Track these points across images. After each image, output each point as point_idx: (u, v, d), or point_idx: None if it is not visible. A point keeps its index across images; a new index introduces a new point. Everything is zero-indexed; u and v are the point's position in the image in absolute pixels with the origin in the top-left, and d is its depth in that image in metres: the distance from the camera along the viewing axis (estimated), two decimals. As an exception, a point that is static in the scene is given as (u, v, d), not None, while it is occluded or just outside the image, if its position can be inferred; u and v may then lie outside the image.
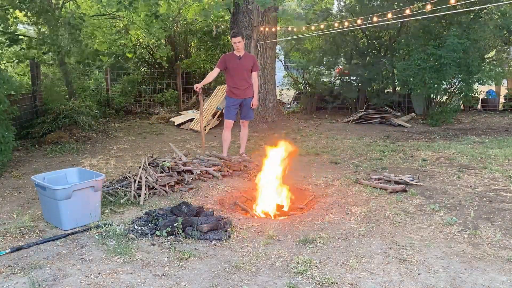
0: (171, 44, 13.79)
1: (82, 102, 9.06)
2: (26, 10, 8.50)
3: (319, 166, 5.85)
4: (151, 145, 7.59)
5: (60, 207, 3.60)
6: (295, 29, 9.87)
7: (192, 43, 14.29)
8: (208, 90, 12.78)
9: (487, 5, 8.89)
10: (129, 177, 4.72)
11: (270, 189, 4.53)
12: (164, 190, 4.56)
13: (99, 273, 2.88)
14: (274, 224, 3.75)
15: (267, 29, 9.30)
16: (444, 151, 6.53)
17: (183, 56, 14.05)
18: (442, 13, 7.57)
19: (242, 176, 5.28)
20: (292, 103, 13.23)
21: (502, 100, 11.79)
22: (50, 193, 3.63)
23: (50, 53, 9.27)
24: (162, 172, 4.88)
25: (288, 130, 8.99)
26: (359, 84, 10.73)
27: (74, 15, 8.62)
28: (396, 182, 4.76)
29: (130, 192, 4.42)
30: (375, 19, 6.89)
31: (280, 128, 9.11)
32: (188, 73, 12.98)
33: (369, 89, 10.85)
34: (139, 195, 4.39)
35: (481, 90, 10.97)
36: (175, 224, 3.48)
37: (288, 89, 13.79)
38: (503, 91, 11.93)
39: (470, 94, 9.63)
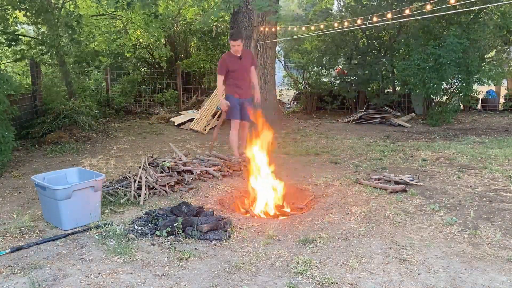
0: (171, 44, 13.79)
1: (82, 102, 9.06)
2: (25, 10, 8.50)
3: (319, 166, 5.85)
4: (151, 145, 7.59)
5: (60, 207, 3.60)
6: (295, 29, 9.88)
7: (192, 43, 14.30)
8: (208, 90, 12.79)
9: (487, 5, 8.89)
10: (129, 177, 4.72)
11: (265, 188, 4.52)
12: (164, 190, 4.56)
13: (99, 273, 2.88)
14: (274, 224, 3.75)
15: (267, 29, 9.30)
16: (444, 151, 6.53)
17: (183, 56, 14.05)
18: (442, 13, 7.57)
19: (242, 176, 5.28)
20: (292, 103, 13.23)
21: (502, 100, 11.80)
22: (50, 193, 3.63)
23: (48, 53, 9.28)
24: (162, 172, 4.88)
25: (288, 130, 8.99)
26: (359, 84, 10.73)
27: (73, 16, 8.63)
28: (396, 182, 4.76)
29: (130, 192, 4.42)
30: (374, 19, 6.89)
31: (280, 128, 9.11)
32: (188, 73, 12.98)
33: (369, 89, 10.85)
34: (139, 195, 4.39)
35: (481, 90, 10.97)
36: (175, 224, 3.48)
37: (288, 89, 13.79)
38: (503, 91, 11.94)
39: (469, 94, 9.64)
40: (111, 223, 3.69)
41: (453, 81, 9.49)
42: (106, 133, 8.61)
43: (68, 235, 3.53)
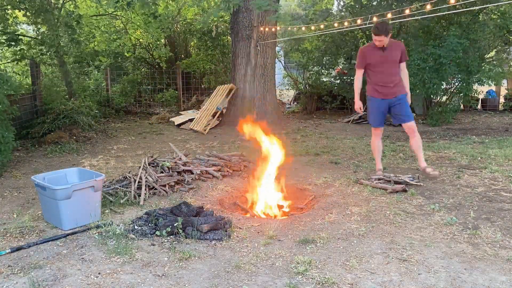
0: (171, 44, 13.79)
1: (82, 102, 9.06)
2: (25, 10, 8.50)
3: (319, 166, 5.85)
4: (151, 145, 7.59)
5: (60, 207, 3.60)
6: (295, 29, 9.88)
7: (192, 43, 14.31)
8: (208, 90, 12.79)
9: (487, 5, 8.89)
10: (129, 177, 4.72)
11: (268, 188, 4.53)
12: (164, 190, 4.56)
13: (99, 273, 2.88)
14: (274, 224, 3.75)
15: (267, 29, 9.30)
16: (444, 151, 6.53)
17: (183, 56, 14.06)
18: (442, 13, 7.57)
19: (242, 176, 5.28)
20: (292, 103, 13.24)
21: (502, 100, 11.80)
22: (50, 193, 3.63)
23: (48, 54, 9.28)
24: (162, 172, 4.88)
25: (288, 130, 8.99)
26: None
27: (73, 16, 8.63)
28: (396, 182, 4.75)
29: (130, 192, 4.42)
30: (374, 19, 6.89)
31: (280, 128, 9.10)
32: (188, 73, 12.99)
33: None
34: (139, 195, 4.39)
35: (481, 90, 10.97)
36: (175, 224, 3.48)
37: (288, 89, 13.80)
38: (503, 91, 11.94)
39: (469, 94, 9.64)
40: (111, 223, 3.69)
41: (453, 81, 9.49)
42: (106, 133, 8.61)
43: (68, 235, 3.53)
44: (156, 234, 3.48)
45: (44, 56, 9.46)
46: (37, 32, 9.83)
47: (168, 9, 12.22)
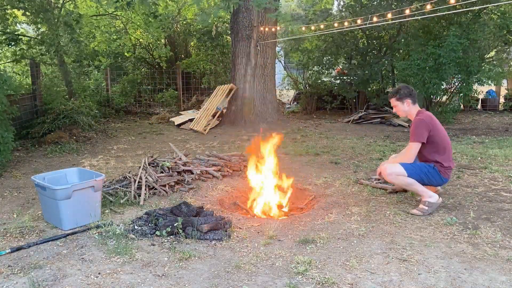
0: (171, 44, 13.80)
1: (82, 102, 9.06)
2: (24, 9, 8.50)
3: (319, 166, 5.85)
4: (151, 145, 7.59)
5: (60, 207, 3.59)
6: (294, 29, 9.88)
7: (192, 43, 14.31)
8: (208, 90, 12.80)
9: (487, 5, 8.90)
10: (129, 177, 4.72)
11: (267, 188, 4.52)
12: (164, 190, 4.56)
13: (99, 273, 2.88)
14: (274, 224, 3.75)
15: (267, 29, 9.30)
16: (444, 151, 6.52)
17: (183, 56, 14.06)
18: (442, 13, 7.57)
19: (242, 176, 5.27)
20: (292, 103, 13.24)
21: (502, 100, 11.80)
22: (50, 193, 3.63)
23: (48, 53, 9.28)
24: (162, 172, 4.88)
25: (288, 130, 8.99)
26: (359, 84, 10.74)
27: (72, 16, 8.64)
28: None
29: (130, 192, 4.42)
30: (374, 19, 6.89)
31: (280, 128, 9.10)
32: (188, 73, 13.00)
33: (369, 89, 10.85)
34: (139, 195, 4.38)
35: (481, 90, 10.98)
36: (175, 224, 3.48)
37: (288, 89, 13.81)
38: (503, 91, 11.95)
39: (469, 94, 9.64)
40: (111, 223, 3.69)
41: (453, 81, 9.50)
42: (106, 133, 8.61)
43: (68, 235, 3.53)
44: (156, 234, 3.48)
45: (44, 56, 9.46)
46: (37, 32, 9.83)
47: (168, 9, 12.22)
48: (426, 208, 3.88)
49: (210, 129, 9.17)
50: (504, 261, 3.00)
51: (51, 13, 8.60)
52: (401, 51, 10.37)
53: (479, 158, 5.95)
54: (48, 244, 3.38)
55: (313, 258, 3.06)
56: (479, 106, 11.82)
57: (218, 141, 7.95)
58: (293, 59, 13.26)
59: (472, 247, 3.23)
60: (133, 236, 3.45)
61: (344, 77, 11.35)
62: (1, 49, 10.31)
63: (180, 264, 3.01)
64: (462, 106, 10.95)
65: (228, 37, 12.23)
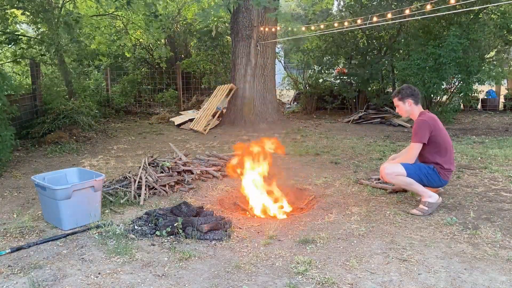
0: (171, 44, 13.80)
1: (82, 102, 9.07)
2: (24, 9, 8.50)
3: (319, 166, 5.85)
4: (151, 145, 7.59)
5: (60, 207, 3.59)
6: (295, 29, 9.88)
7: (192, 43, 14.31)
8: (208, 90, 12.80)
9: (487, 5, 8.90)
10: (129, 177, 4.72)
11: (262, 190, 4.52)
12: (164, 190, 4.56)
13: (99, 273, 2.88)
14: (274, 224, 3.75)
15: (267, 29, 9.30)
16: (444, 151, 6.52)
17: (183, 56, 14.07)
18: (442, 13, 7.57)
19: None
20: (292, 103, 13.24)
21: (502, 100, 11.80)
22: (50, 193, 3.63)
23: (47, 53, 9.28)
24: (162, 172, 4.88)
25: (288, 130, 8.99)
26: (359, 84, 10.74)
27: (72, 16, 8.63)
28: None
29: (130, 192, 4.42)
30: (374, 19, 6.89)
31: (280, 128, 9.11)
32: (188, 73, 13.00)
33: (369, 89, 10.85)
34: (139, 195, 4.38)
35: (481, 90, 10.98)
36: (175, 224, 3.48)
37: (288, 89, 13.81)
38: (503, 91, 11.95)
39: (469, 94, 9.64)
40: (111, 223, 3.69)
41: (453, 81, 9.50)
42: (106, 133, 8.61)
43: (68, 235, 3.53)
44: (156, 234, 3.48)
45: (44, 56, 9.46)
46: (37, 32, 9.83)
47: (168, 9, 12.22)
48: (426, 208, 3.89)
49: (210, 129, 9.17)
50: (504, 261, 3.00)
51: (51, 13, 8.60)
52: (401, 51, 10.37)
53: (479, 158, 5.95)
54: (48, 244, 3.38)
55: (313, 258, 3.06)
56: (479, 106, 11.82)
57: (218, 141, 7.95)
58: (293, 59, 13.26)
59: (472, 247, 3.23)
60: (133, 236, 3.45)
61: (345, 77, 11.36)
62: (1, 49, 10.30)
63: (180, 264, 3.01)
64: (462, 106, 10.95)
65: (228, 37, 12.23)
